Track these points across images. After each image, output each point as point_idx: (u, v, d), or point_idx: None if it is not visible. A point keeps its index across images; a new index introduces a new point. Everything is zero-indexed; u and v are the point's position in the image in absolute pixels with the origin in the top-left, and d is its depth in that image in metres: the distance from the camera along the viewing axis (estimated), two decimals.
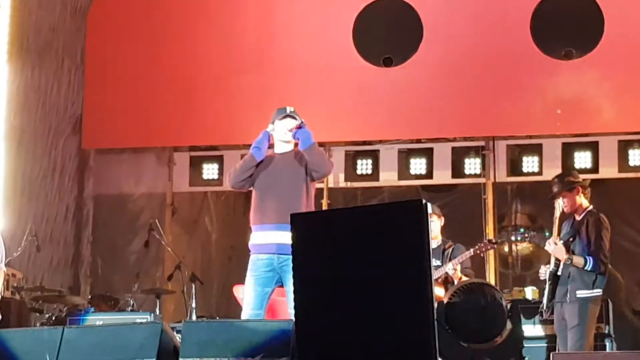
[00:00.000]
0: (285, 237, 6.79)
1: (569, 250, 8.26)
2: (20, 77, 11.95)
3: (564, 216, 8.50)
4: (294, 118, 7.53)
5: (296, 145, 7.55)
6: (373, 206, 5.59)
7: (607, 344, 9.60)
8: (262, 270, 7.40)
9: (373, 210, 5.34)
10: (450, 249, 9.41)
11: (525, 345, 9.40)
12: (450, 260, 9.29)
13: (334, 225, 5.02)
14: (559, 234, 8.38)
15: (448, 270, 9.14)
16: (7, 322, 9.55)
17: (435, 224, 9.44)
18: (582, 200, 8.44)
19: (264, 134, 7.59)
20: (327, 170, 7.54)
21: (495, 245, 9.89)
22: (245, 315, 7.40)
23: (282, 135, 7.55)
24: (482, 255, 9.81)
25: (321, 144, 11.95)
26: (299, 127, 7.47)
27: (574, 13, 11.72)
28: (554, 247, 8.31)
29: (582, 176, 8.82)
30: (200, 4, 12.58)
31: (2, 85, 11.68)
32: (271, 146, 7.68)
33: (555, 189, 8.51)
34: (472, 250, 9.32)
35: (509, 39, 11.86)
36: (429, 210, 9.24)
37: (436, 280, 9.16)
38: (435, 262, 9.21)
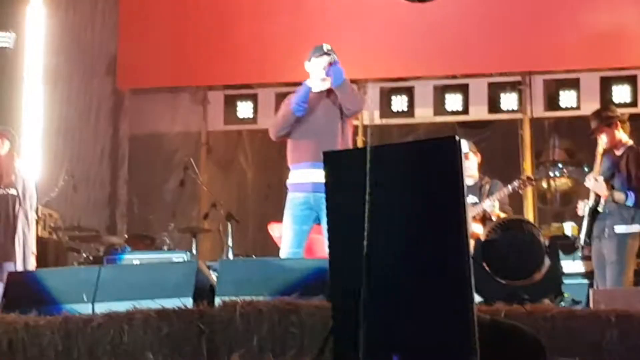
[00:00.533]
0: (321, 175, 6.78)
1: (609, 185, 8.16)
2: (55, 18, 11.94)
3: (604, 151, 8.39)
4: (330, 55, 7.48)
5: None
6: (406, 143, 5.53)
7: None
8: (300, 208, 7.41)
9: (406, 147, 5.27)
10: (488, 186, 9.33)
11: (564, 281, 9.35)
12: (488, 196, 9.22)
13: (367, 162, 4.96)
14: (599, 170, 8.27)
15: (486, 207, 9.06)
16: (45, 262, 9.66)
17: (472, 162, 9.36)
18: (622, 135, 8.32)
19: (305, 90, 7.52)
20: (358, 107, 7.51)
21: (534, 182, 9.79)
22: (284, 253, 7.42)
23: (317, 73, 7.51)
24: (520, 192, 9.73)
25: (356, 81, 11.91)
26: (331, 64, 7.42)
27: None
28: (595, 183, 8.21)
29: (621, 110, 8.69)
30: None
31: (39, 27, 11.69)
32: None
33: (593, 125, 8.39)
34: (510, 186, 9.24)
35: None
36: (465, 149, 9.21)
37: (474, 217, 9.11)
38: (472, 198, 9.16)
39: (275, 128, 7.58)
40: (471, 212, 8.99)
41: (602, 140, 8.28)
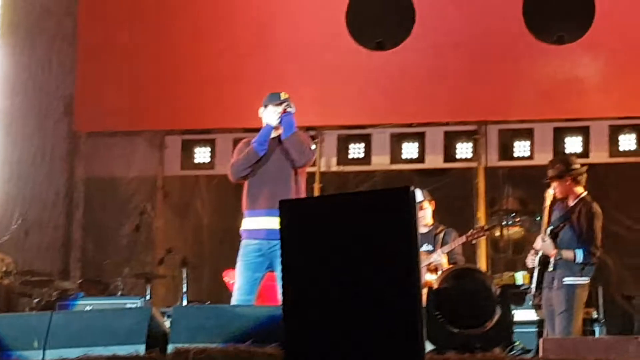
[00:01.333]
0: (275, 222, 6.83)
1: (557, 236, 8.26)
2: (11, 58, 11.90)
3: (555, 201, 8.48)
4: (287, 104, 7.54)
5: None
6: (360, 193, 5.59)
7: (597, 329, 9.62)
8: (252, 255, 7.43)
9: (360, 197, 5.32)
10: (442, 234, 9.41)
11: (515, 330, 9.40)
12: (442, 245, 9.30)
13: (322, 211, 5.01)
14: (548, 224, 8.36)
15: (434, 260, 9.16)
16: None
17: (427, 210, 9.46)
18: (576, 187, 8.41)
19: (267, 129, 7.55)
20: (305, 160, 7.50)
21: (487, 232, 9.88)
22: (235, 300, 7.42)
23: (271, 121, 7.55)
24: (473, 242, 9.82)
25: (314, 128, 11.99)
26: (285, 112, 7.48)
27: None
28: (542, 243, 8.31)
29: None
30: None
31: None
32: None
33: (550, 174, 8.48)
34: (463, 237, 9.33)
35: (501, 23, 11.83)
36: (420, 197, 9.30)
37: (428, 265, 9.18)
38: (427, 247, 9.23)
39: (237, 168, 7.58)
40: (425, 261, 9.06)
41: (550, 194, 8.38)
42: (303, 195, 7.49)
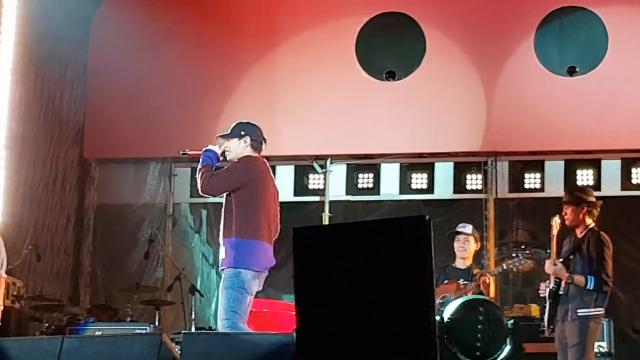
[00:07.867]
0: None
1: (568, 268, 8.22)
2: (23, 86, 11.94)
3: (564, 233, 8.46)
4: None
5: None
6: (375, 221, 5.58)
7: None
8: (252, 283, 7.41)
9: (375, 225, 5.31)
10: (477, 276, 9.40)
11: None
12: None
13: (336, 240, 5.00)
14: (557, 253, 8.33)
15: (492, 273, 9.27)
16: (7, 331, 9.56)
17: (471, 245, 9.49)
18: (587, 218, 8.38)
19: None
20: (201, 191, 7.49)
21: (527, 260, 9.83)
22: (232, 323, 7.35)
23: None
24: (515, 269, 9.95)
25: (322, 157, 12.02)
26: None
27: (579, 29, 11.74)
28: (554, 268, 8.26)
29: None
30: (204, 16, 12.61)
31: (5, 94, 11.67)
32: None
33: (565, 199, 8.48)
34: (505, 265, 9.44)
35: (512, 55, 11.88)
36: (469, 231, 9.37)
37: (480, 280, 9.22)
38: (463, 281, 9.28)
39: (221, 189, 7.53)
40: (462, 291, 9.08)
41: (556, 223, 8.36)
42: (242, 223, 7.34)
